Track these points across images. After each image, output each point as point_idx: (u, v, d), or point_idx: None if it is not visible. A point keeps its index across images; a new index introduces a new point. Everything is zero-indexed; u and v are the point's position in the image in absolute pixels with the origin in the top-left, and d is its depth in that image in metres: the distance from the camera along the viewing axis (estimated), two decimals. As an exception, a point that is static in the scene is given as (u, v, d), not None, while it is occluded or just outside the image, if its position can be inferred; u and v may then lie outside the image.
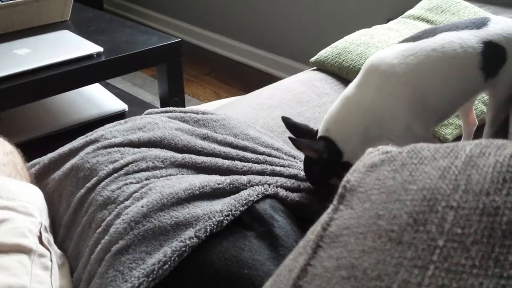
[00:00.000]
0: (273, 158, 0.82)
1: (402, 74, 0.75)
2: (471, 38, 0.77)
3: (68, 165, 0.80)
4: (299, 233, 0.65)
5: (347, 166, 0.68)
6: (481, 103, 1.05)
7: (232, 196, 0.68)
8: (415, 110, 0.76)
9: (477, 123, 0.97)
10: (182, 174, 0.76)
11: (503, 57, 0.79)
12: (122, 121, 0.89)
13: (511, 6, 1.51)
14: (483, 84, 0.80)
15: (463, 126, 0.98)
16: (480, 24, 0.79)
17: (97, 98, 1.75)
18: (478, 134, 1.02)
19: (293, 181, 0.76)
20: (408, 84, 0.75)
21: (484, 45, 0.77)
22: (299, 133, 0.80)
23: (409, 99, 0.75)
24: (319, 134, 0.78)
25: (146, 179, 0.73)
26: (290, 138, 0.76)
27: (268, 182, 0.73)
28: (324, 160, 0.74)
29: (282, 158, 0.84)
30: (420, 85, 0.76)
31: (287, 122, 0.81)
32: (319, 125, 0.96)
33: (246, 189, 0.70)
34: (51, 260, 0.66)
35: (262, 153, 0.83)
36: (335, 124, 0.76)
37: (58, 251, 0.72)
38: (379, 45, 1.24)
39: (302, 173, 0.80)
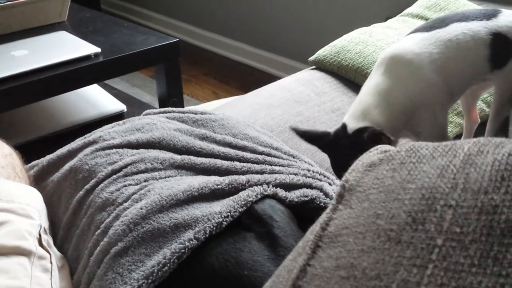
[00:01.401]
0: (272, 157, 0.82)
1: (428, 62, 0.77)
2: (481, 29, 0.78)
3: (66, 166, 0.80)
4: (298, 233, 0.65)
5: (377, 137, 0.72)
6: (481, 101, 1.05)
7: (231, 197, 0.68)
8: (443, 97, 0.78)
9: (479, 121, 0.97)
10: (181, 176, 0.75)
11: (510, 50, 0.79)
12: (120, 122, 0.88)
13: (509, 4, 1.51)
14: (488, 74, 0.81)
15: (464, 123, 0.98)
16: (490, 15, 0.80)
17: (95, 99, 1.75)
18: (478, 133, 1.02)
19: (292, 176, 0.75)
20: (436, 72, 0.77)
21: (493, 36, 0.78)
22: (313, 138, 0.80)
23: (439, 86, 0.77)
24: (354, 127, 0.76)
25: (145, 180, 0.73)
26: (291, 127, 0.75)
27: (267, 181, 0.72)
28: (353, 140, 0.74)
29: (282, 158, 0.83)
30: (444, 73, 0.77)
31: (297, 131, 0.81)
32: (318, 124, 0.96)
33: (245, 189, 0.70)
34: (51, 262, 0.66)
35: (261, 153, 0.83)
36: (376, 114, 0.76)
37: (58, 253, 0.72)
38: (378, 43, 1.24)
39: (302, 172, 0.79)
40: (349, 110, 0.80)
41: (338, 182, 0.83)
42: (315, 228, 0.39)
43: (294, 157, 0.85)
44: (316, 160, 0.96)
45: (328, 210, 0.40)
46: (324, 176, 0.82)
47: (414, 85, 0.78)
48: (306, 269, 0.36)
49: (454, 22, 0.80)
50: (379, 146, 0.42)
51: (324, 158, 0.96)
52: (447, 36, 0.78)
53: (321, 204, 0.72)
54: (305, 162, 0.84)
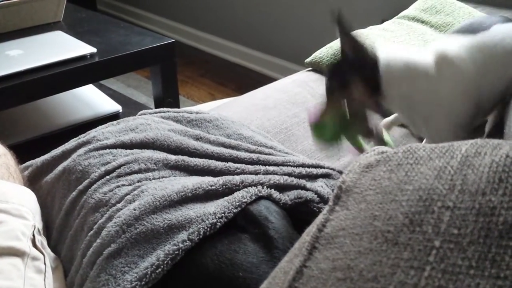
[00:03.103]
0: (266, 155, 0.82)
1: (472, 72, 0.74)
2: None
3: (60, 167, 0.80)
4: (294, 235, 0.65)
5: (376, 79, 0.73)
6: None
7: (226, 198, 0.67)
8: (471, 108, 0.75)
9: None
10: (175, 176, 0.75)
11: None
12: (114, 122, 0.88)
13: (505, 6, 1.51)
14: None
15: None
16: None
17: (90, 99, 1.74)
18: (477, 135, 1.03)
19: (286, 177, 0.75)
20: (475, 82, 0.75)
21: None
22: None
23: (471, 96, 0.75)
24: (380, 56, 0.77)
25: (138, 181, 0.73)
26: (338, 19, 0.75)
27: (261, 181, 0.72)
28: (359, 59, 0.75)
29: (276, 156, 0.83)
30: (481, 84, 0.75)
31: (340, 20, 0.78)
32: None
33: (239, 189, 0.70)
34: (45, 263, 0.66)
35: (255, 152, 0.83)
36: (396, 66, 0.76)
37: (52, 254, 0.71)
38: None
39: (297, 171, 0.79)
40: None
41: (334, 172, 0.82)
42: (311, 229, 0.39)
43: (288, 155, 0.85)
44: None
45: (324, 211, 0.39)
46: (320, 167, 0.82)
47: (447, 87, 0.75)
48: (303, 271, 0.36)
49: (495, 23, 0.78)
50: (376, 147, 0.42)
51: (322, 159, 0.96)
52: (494, 41, 0.75)
53: (315, 209, 0.72)
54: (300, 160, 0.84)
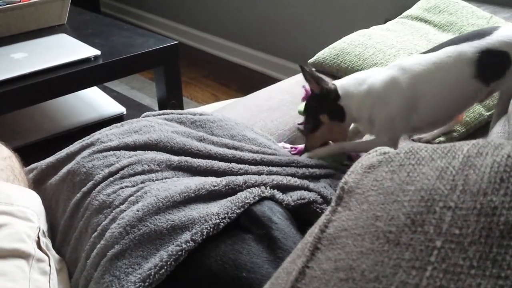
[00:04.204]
0: (270, 156, 0.82)
1: (408, 77, 0.85)
2: (467, 50, 0.83)
3: (64, 169, 0.80)
4: (297, 236, 0.65)
5: (340, 109, 0.87)
6: (479, 105, 1.05)
7: (229, 198, 0.67)
8: (405, 109, 0.85)
9: (462, 122, 1.03)
10: (178, 177, 0.75)
11: (507, 60, 0.83)
12: (118, 124, 0.88)
13: (508, 5, 1.51)
14: (485, 88, 0.85)
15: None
16: (484, 34, 0.85)
17: (95, 101, 1.74)
18: (478, 135, 1.03)
19: (289, 178, 0.75)
20: (409, 87, 0.84)
21: (481, 54, 0.82)
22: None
23: (404, 98, 0.85)
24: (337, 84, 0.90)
25: (142, 182, 0.73)
26: (300, 66, 0.88)
27: (264, 182, 0.72)
28: (323, 95, 0.87)
29: (280, 157, 0.83)
30: (417, 91, 0.84)
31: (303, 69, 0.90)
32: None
33: (242, 190, 0.70)
34: (50, 265, 0.66)
35: (258, 152, 0.83)
36: (349, 80, 0.89)
37: (57, 255, 0.72)
38: (377, 46, 1.24)
39: (300, 172, 0.79)
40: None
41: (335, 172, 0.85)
42: (314, 230, 0.39)
43: (292, 160, 0.85)
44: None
45: (327, 212, 0.39)
46: (324, 168, 0.82)
47: (389, 86, 0.85)
48: (305, 271, 0.36)
49: (447, 46, 0.86)
50: (378, 148, 0.42)
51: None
52: (432, 59, 0.85)
53: (318, 210, 0.72)
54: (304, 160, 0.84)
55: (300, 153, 0.94)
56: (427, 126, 0.92)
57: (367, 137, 0.97)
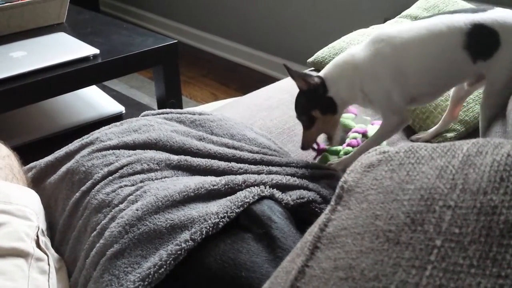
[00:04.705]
0: (270, 156, 0.82)
1: (394, 45, 0.85)
2: (460, 19, 0.82)
3: (63, 168, 0.80)
4: (297, 235, 0.65)
5: (331, 101, 0.87)
6: (478, 105, 1.05)
7: (228, 198, 0.67)
8: (396, 78, 0.84)
9: (457, 119, 1.02)
10: (177, 176, 0.75)
11: (495, 41, 0.82)
12: (117, 123, 0.88)
13: (508, 5, 1.51)
14: (471, 65, 0.84)
15: (444, 115, 1.02)
16: (479, 10, 0.84)
17: (94, 100, 1.74)
18: (474, 135, 1.03)
19: (288, 177, 0.75)
20: (396, 55, 0.84)
21: (473, 26, 0.81)
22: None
23: (393, 67, 0.84)
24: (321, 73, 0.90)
25: (141, 181, 0.73)
26: (285, 65, 0.88)
27: (264, 181, 0.72)
28: (311, 90, 0.87)
29: (280, 157, 0.83)
30: (405, 57, 0.84)
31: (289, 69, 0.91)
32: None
33: (241, 189, 0.70)
34: (49, 264, 0.66)
35: (258, 152, 0.83)
36: (330, 68, 0.89)
37: (56, 254, 0.72)
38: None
39: (300, 172, 0.79)
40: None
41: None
42: (313, 229, 0.39)
43: (291, 160, 0.85)
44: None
45: (326, 211, 0.39)
46: (324, 168, 0.82)
47: (373, 61, 0.85)
48: (305, 270, 0.36)
49: (440, 15, 0.86)
50: (377, 147, 0.42)
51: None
52: (424, 24, 0.84)
53: (317, 209, 0.72)
54: (304, 160, 0.85)
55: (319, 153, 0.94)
56: (423, 95, 0.90)
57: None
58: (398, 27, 0.87)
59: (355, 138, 0.98)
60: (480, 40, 0.82)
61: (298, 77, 0.88)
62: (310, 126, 0.90)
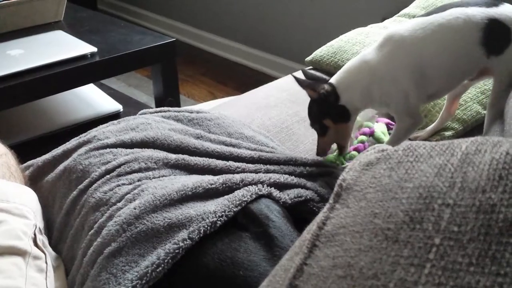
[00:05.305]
0: (267, 154, 0.82)
1: (409, 44, 0.83)
2: (477, 14, 0.81)
3: (61, 167, 0.80)
4: (295, 234, 0.65)
5: (343, 109, 0.85)
6: (476, 103, 1.06)
7: (226, 197, 0.67)
8: (414, 78, 0.83)
9: (454, 115, 1.02)
10: (175, 175, 0.75)
11: (507, 37, 0.82)
12: (115, 121, 0.88)
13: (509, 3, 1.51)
14: (485, 60, 0.83)
15: (442, 112, 1.02)
16: (491, 4, 0.83)
17: (91, 98, 1.74)
18: (475, 133, 1.03)
19: (286, 176, 0.75)
20: (412, 54, 0.83)
21: (489, 21, 0.80)
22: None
23: (411, 68, 0.83)
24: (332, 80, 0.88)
25: (139, 180, 0.73)
26: (293, 75, 0.88)
27: (261, 180, 0.72)
28: (322, 99, 0.85)
29: (278, 155, 0.83)
30: (423, 56, 0.82)
31: (306, 73, 0.92)
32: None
33: (239, 188, 0.70)
34: (46, 262, 0.66)
35: (256, 150, 0.83)
36: (342, 74, 0.87)
37: (53, 253, 0.72)
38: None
39: (298, 170, 0.79)
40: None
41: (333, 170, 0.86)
42: (312, 227, 0.39)
43: (290, 157, 0.85)
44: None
45: (325, 209, 0.39)
46: (322, 166, 0.82)
47: (388, 63, 0.84)
48: (303, 269, 0.36)
49: (453, 7, 0.83)
50: (376, 145, 0.42)
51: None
52: (439, 20, 0.82)
53: (314, 208, 0.72)
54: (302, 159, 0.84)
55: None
56: (438, 91, 0.89)
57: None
58: (407, 25, 0.85)
59: (362, 141, 0.97)
60: (495, 36, 0.81)
61: (307, 87, 0.86)
62: (323, 134, 0.89)
